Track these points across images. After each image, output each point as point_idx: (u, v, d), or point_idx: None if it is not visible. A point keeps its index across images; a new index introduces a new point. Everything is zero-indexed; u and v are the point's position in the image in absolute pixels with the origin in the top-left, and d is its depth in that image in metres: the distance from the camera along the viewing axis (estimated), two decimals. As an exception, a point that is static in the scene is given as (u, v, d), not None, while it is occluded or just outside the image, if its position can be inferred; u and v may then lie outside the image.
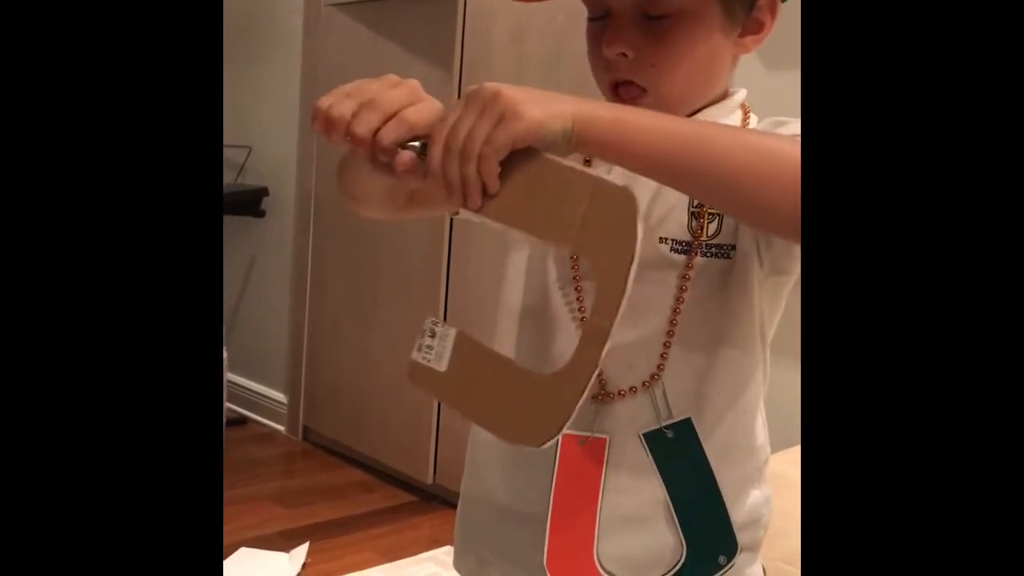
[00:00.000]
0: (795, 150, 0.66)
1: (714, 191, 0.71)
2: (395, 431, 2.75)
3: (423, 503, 2.66)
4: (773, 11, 0.83)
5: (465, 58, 2.50)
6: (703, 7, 0.78)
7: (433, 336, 0.73)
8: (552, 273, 0.86)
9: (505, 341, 0.88)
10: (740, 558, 0.86)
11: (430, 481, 2.67)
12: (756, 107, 0.88)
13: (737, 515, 0.85)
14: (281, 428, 3.19)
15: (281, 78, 3.13)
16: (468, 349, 0.72)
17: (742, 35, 0.83)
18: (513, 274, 0.89)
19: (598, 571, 0.83)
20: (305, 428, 3.12)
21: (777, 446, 1.58)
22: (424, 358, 0.73)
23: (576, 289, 0.84)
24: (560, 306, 0.85)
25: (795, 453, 1.55)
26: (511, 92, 0.65)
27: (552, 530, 0.84)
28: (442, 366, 0.72)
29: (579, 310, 0.84)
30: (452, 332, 0.72)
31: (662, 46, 0.79)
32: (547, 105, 0.65)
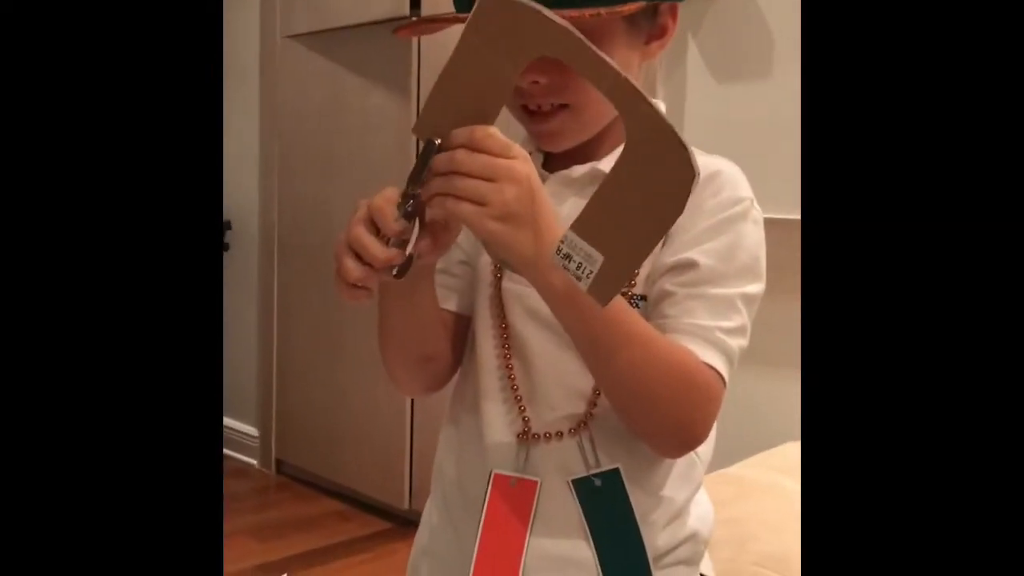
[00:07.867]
0: (707, 376, 0.75)
1: (626, 396, 0.77)
2: (369, 459, 2.75)
3: (400, 529, 2.65)
4: (674, 15, 0.84)
5: (422, 85, 2.51)
6: (607, 26, 0.78)
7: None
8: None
9: (489, 397, 0.86)
10: (678, 571, 0.87)
11: (406, 507, 2.66)
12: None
13: (674, 536, 0.86)
14: (254, 462, 3.16)
15: (239, 111, 3.13)
16: None
17: (647, 42, 0.83)
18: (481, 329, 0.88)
19: None
20: (278, 461, 3.10)
21: (745, 452, 1.60)
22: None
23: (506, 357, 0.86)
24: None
25: (765, 458, 1.57)
26: (541, 200, 0.70)
27: (476, 571, 0.83)
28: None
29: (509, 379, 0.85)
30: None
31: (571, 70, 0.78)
32: (541, 239, 0.69)
